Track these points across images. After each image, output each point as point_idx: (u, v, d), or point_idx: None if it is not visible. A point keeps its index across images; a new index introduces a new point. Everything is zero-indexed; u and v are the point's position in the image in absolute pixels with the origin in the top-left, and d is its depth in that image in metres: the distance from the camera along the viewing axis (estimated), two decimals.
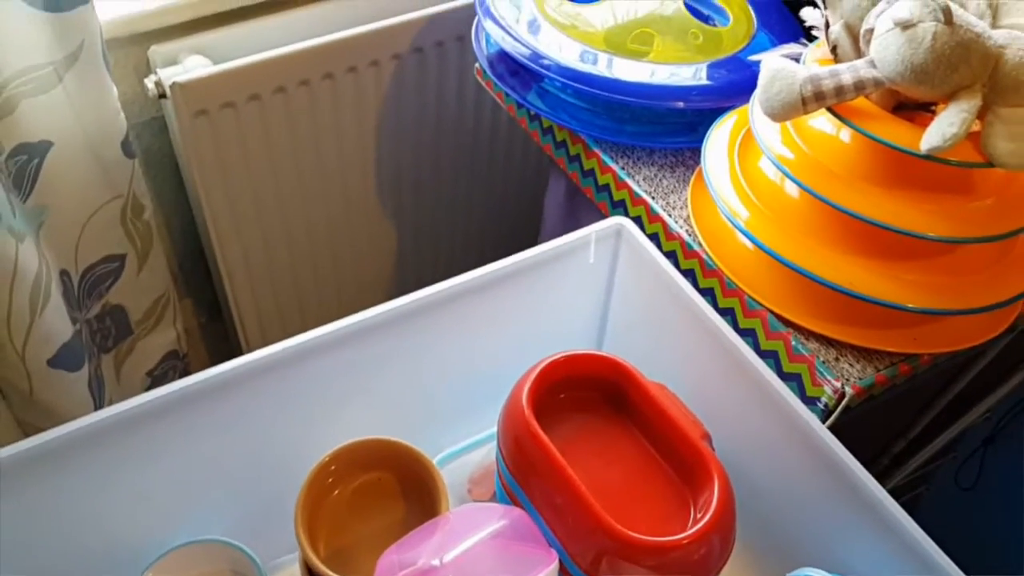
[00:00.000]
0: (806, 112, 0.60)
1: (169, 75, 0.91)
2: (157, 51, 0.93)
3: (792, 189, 0.65)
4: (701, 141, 0.74)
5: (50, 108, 0.82)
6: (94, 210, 0.92)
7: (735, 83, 0.79)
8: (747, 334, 0.66)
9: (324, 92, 1.02)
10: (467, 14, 1.04)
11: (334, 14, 1.02)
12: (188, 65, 0.92)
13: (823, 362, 0.63)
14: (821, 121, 0.64)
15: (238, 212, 1.06)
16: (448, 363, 0.64)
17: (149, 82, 0.91)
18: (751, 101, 0.68)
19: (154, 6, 0.91)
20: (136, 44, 0.93)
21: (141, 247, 0.99)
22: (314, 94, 1.01)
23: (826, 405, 0.62)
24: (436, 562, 0.48)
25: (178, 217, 1.12)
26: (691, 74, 0.79)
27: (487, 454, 0.67)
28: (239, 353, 1.24)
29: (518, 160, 1.28)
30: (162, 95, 0.92)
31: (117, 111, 0.87)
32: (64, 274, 0.92)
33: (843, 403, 0.61)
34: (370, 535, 0.57)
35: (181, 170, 1.06)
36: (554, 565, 0.51)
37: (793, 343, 0.64)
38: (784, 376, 0.65)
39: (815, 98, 0.60)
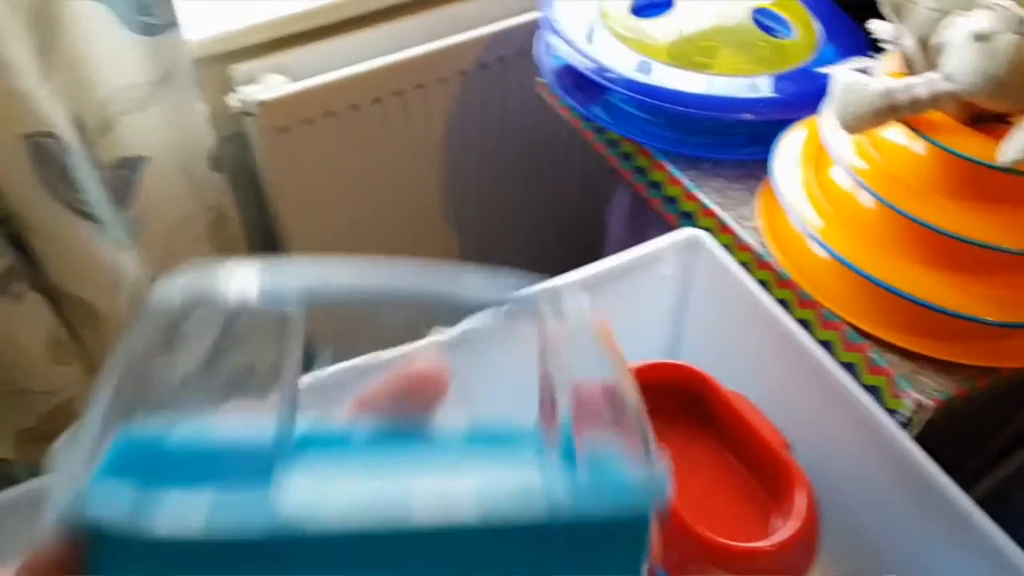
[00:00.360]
0: (880, 124, 0.61)
1: (250, 93, 0.95)
2: (238, 70, 0.97)
3: (866, 200, 0.66)
4: (768, 152, 0.75)
5: (145, 125, 0.86)
6: (184, 221, 0.96)
7: (802, 95, 0.80)
8: (823, 346, 0.67)
9: (395, 108, 1.05)
10: (530, 29, 1.06)
11: (403, 33, 1.05)
12: (267, 83, 0.96)
13: (902, 375, 0.63)
14: (895, 133, 0.64)
15: (315, 222, 1.09)
16: (524, 372, 0.65)
17: (232, 100, 0.95)
18: (822, 112, 0.69)
19: (235, 27, 0.95)
20: (218, 63, 0.97)
21: (227, 257, 1.03)
22: (386, 110, 1.04)
23: (906, 418, 0.62)
24: None
25: (259, 228, 1.15)
26: (757, 86, 0.80)
27: None
28: None
29: (577, 173, 1.29)
30: (244, 112, 0.96)
31: (205, 128, 0.91)
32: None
33: (924, 416, 0.62)
34: None
35: (261, 183, 1.09)
36: None
37: (871, 355, 0.64)
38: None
39: (890, 110, 0.60)
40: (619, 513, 0.21)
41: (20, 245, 0.85)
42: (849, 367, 0.65)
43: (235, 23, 0.96)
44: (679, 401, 0.60)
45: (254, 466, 0.21)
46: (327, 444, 0.23)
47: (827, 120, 0.67)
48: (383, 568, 0.20)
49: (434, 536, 0.20)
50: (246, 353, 0.23)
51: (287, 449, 0.22)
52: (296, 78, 0.99)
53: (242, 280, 0.22)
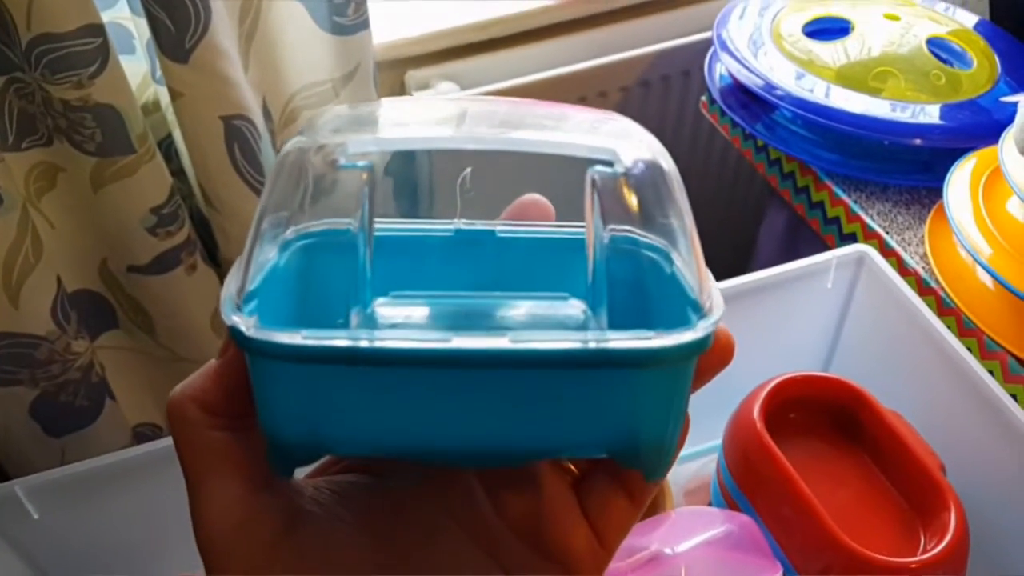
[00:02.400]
0: None
1: (420, 97, 1.00)
2: (413, 76, 1.03)
3: None
4: (935, 180, 0.73)
5: None
6: None
7: (974, 126, 0.79)
8: None
9: None
10: (695, 50, 1.08)
11: (571, 49, 1.09)
12: (439, 90, 1.01)
13: None
14: None
15: None
16: None
17: None
18: (1002, 141, 0.67)
19: (415, 34, 1.01)
20: (395, 68, 1.03)
21: None
22: None
23: None
24: (668, 551, 0.51)
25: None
26: (930, 113, 0.79)
27: (702, 467, 0.69)
28: None
29: (726, 192, 1.29)
30: None
31: None
32: None
33: None
34: None
35: (419, 189, 1.15)
36: None
37: None
38: None
39: None
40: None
41: (198, 220, 0.92)
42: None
43: (413, 30, 1.02)
44: (830, 414, 0.59)
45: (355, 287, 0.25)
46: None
47: (1008, 149, 0.65)
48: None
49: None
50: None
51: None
52: (465, 87, 1.04)
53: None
